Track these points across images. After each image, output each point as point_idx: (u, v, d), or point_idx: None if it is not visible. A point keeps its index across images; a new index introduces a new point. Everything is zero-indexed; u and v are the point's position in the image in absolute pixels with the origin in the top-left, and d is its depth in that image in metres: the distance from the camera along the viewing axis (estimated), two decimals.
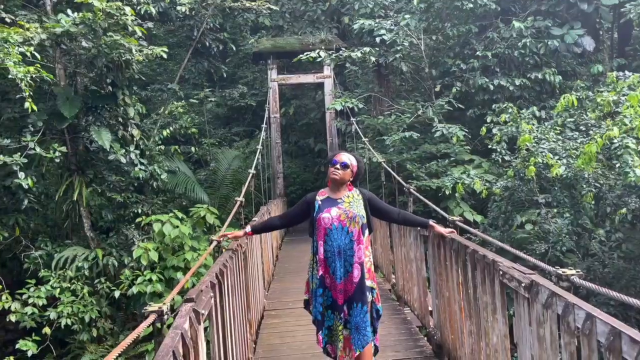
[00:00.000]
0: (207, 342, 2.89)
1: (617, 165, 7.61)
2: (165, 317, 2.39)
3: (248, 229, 4.16)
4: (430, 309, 5.24)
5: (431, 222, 4.10)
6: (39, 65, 7.62)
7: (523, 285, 2.60)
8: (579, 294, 2.72)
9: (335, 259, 3.55)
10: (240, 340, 3.97)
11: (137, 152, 10.66)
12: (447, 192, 10.74)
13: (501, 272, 2.93)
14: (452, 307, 4.14)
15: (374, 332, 3.71)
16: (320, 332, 3.65)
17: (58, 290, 9.61)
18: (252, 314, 5.03)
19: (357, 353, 3.57)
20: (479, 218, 10.83)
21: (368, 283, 3.60)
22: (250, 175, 7.98)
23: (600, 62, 12.99)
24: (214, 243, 4.14)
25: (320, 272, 3.58)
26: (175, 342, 2.01)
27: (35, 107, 7.59)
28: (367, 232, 3.68)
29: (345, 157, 3.71)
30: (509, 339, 3.04)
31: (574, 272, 2.53)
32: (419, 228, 5.35)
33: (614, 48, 14.93)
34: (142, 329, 2.22)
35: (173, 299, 3.16)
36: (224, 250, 4.28)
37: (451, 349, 4.29)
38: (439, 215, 5.42)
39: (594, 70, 12.31)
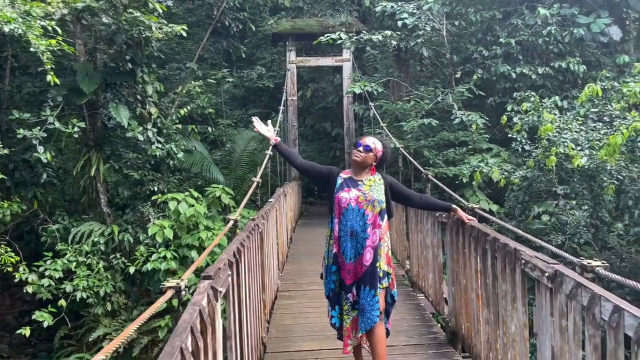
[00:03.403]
0: (223, 320, 2.89)
1: None
2: (183, 293, 2.39)
3: (279, 139, 4.05)
4: (445, 296, 5.21)
5: (454, 205, 4.07)
6: (60, 39, 7.60)
7: (546, 275, 2.55)
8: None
9: (347, 239, 3.55)
10: (255, 319, 3.98)
11: (155, 130, 10.69)
12: (464, 180, 10.63)
13: (523, 261, 2.87)
14: (469, 295, 4.10)
15: (387, 316, 3.72)
16: (332, 309, 3.70)
17: (74, 264, 9.73)
18: (266, 294, 5.04)
19: (360, 335, 3.61)
20: (494, 207, 10.72)
21: (385, 268, 3.59)
22: (267, 156, 7.95)
23: (626, 52, 12.68)
24: (231, 222, 4.13)
25: (335, 250, 3.62)
26: (193, 318, 2.00)
27: (57, 80, 7.61)
28: (386, 217, 3.65)
29: (370, 140, 3.69)
30: (528, 328, 2.99)
31: (599, 263, 2.47)
32: (437, 214, 5.31)
33: None
34: (160, 304, 2.21)
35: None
36: (238, 231, 4.26)
37: (466, 336, 4.26)
38: (456, 202, 5.36)
39: (619, 60, 12.02)
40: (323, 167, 3.90)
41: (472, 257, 3.98)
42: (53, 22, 7.46)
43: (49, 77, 7.33)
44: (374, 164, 3.69)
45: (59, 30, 7.79)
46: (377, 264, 3.54)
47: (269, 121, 4.31)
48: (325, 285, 3.72)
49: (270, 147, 4.58)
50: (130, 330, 1.99)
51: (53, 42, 7.25)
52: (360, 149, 3.63)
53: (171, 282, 2.41)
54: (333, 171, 3.78)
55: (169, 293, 2.34)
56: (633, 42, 14.08)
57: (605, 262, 2.48)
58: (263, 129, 4.06)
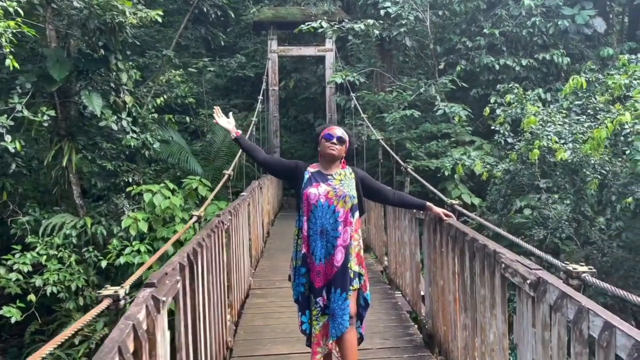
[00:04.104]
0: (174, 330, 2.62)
1: (627, 152, 7.29)
2: (122, 302, 2.11)
3: (239, 132, 3.79)
4: (422, 294, 4.99)
5: (428, 203, 3.81)
6: (20, 20, 7.18)
7: (528, 282, 2.31)
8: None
9: (317, 238, 3.29)
10: (216, 324, 3.69)
11: (129, 119, 10.32)
12: (446, 173, 10.44)
13: (503, 265, 2.63)
14: (446, 297, 3.86)
15: (361, 320, 3.47)
16: (302, 314, 3.43)
17: (44, 257, 9.40)
18: (233, 296, 4.75)
19: (331, 342, 3.35)
20: (476, 201, 10.57)
21: (355, 268, 3.34)
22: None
23: (610, 45, 12.58)
24: (194, 218, 3.85)
25: (304, 250, 3.34)
26: (123, 336, 1.72)
27: (17, 65, 7.22)
28: (357, 214, 3.38)
29: (340, 131, 3.41)
30: (508, 338, 2.76)
31: (585, 268, 2.25)
32: (414, 210, 5.07)
33: (623, 31, 14.48)
34: (93, 315, 1.94)
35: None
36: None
37: (443, 340, 4.03)
38: (436, 197, 5.13)
39: (603, 53, 11.91)
40: (289, 162, 3.61)
41: (449, 258, 3.74)
42: (14, 4, 7.03)
43: (7, 61, 6.93)
44: (344, 155, 3.43)
45: (21, 12, 7.35)
46: (348, 265, 3.30)
47: (230, 113, 4.04)
48: (293, 288, 3.45)
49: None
50: (58, 341, 1.76)
51: (12, 23, 6.83)
52: (335, 141, 3.34)
53: (109, 290, 2.14)
54: (299, 165, 3.49)
55: (105, 302, 2.07)
56: (616, 35, 14.02)
57: (592, 267, 2.26)
58: (223, 122, 3.80)
